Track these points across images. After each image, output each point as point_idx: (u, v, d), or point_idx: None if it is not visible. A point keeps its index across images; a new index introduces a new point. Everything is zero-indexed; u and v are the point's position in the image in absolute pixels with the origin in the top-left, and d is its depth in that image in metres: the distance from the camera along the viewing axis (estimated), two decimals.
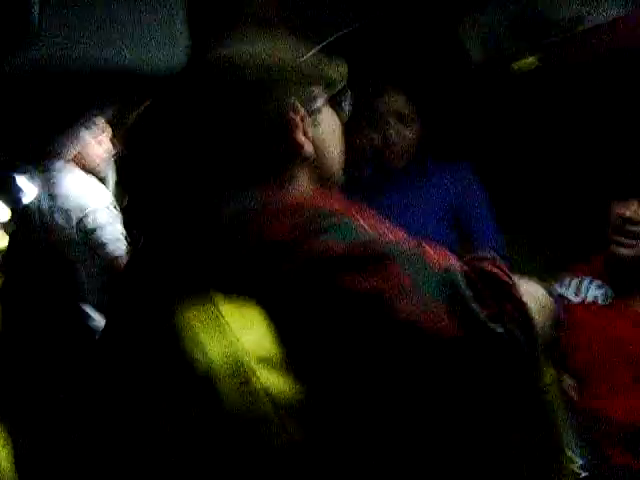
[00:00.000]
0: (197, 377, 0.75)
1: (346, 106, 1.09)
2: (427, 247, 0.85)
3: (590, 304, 1.88)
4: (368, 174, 2.02)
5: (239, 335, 0.77)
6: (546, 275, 2.04)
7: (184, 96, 1.01)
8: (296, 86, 1.00)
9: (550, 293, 0.97)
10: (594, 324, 1.84)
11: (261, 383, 0.75)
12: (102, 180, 2.78)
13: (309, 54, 1.06)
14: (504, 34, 1.97)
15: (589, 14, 1.83)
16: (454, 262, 0.84)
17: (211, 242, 0.87)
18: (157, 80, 1.65)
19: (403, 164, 1.93)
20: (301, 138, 0.98)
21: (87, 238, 2.49)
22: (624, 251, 1.76)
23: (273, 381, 0.75)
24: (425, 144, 1.94)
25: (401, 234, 0.87)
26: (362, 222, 0.86)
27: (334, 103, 1.06)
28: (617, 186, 1.78)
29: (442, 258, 0.84)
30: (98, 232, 2.48)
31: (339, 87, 1.06)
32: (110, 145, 2.68)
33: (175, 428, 0.78)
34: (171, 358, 0.79)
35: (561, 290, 1.95)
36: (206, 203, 0.92)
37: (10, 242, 2.93)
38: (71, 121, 2.56)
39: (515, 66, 1.80)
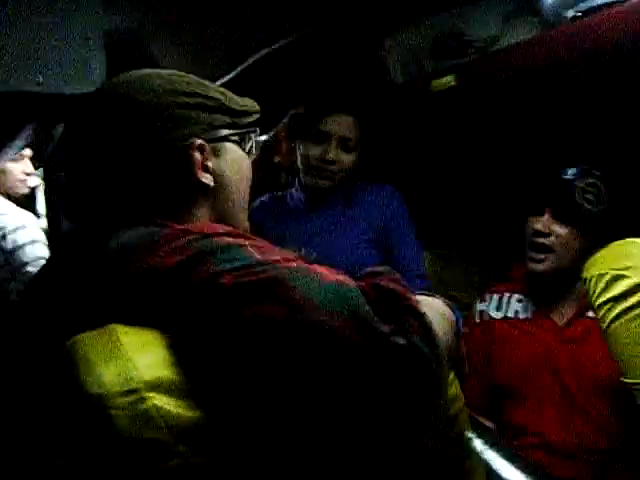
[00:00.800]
0: (90, 400, 0.75)
1: (253, 141, 1.09)
2: (316, 265, 0.86)
3: (511, 318, 1.91)
4: (297, 197, 2.03)
5: (134, 359, 0.77)
6: (476, 292, 2.08)
7: (85, 121, 1.00)
8: (199, 115, 0.99)
9: (449, 305, 0.98)
10: (516, 338, 1.87)
11: (155, 406, 0.74)
12: (29, 199, 2.77)
13: (214, 85, 1.06)
14: (424, 54, 2.01)
15: (504, 34, 1.88)
16: (347, 278, 0.84)
17: (100, 274, 0.86)
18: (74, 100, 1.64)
19: (331, 185, 1.94)
20: (199, 168, 0.98)
21: (9, 259, 2.48)
22: (536, 267, 1.80)
23: (167, 404, 0.75)
24: (357, 170, 1.96)
25: (291, 256, 0.86)
26: (250, 246, 0.85)
27: (241, 137, 1.06)
28: (529, 201, 1.82)
29: (334, 274, 0.84)
30: (18, 252, 2.48)
31: (247, 121, 1.07)
32: (28, 164, 2.66)
33: (68, 452, 0.77)
34: (66, 383, 0.78)
35: (482, 307, 1.97)
36: (100, 233, 0.91)
37: None
38: None
39: (434, 85, 1.83)
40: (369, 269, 0.90)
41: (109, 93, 1.00)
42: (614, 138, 1.83)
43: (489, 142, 1.92)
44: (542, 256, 1.79)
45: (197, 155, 0.97)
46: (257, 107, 1.10)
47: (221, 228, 0.90)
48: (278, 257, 0.84)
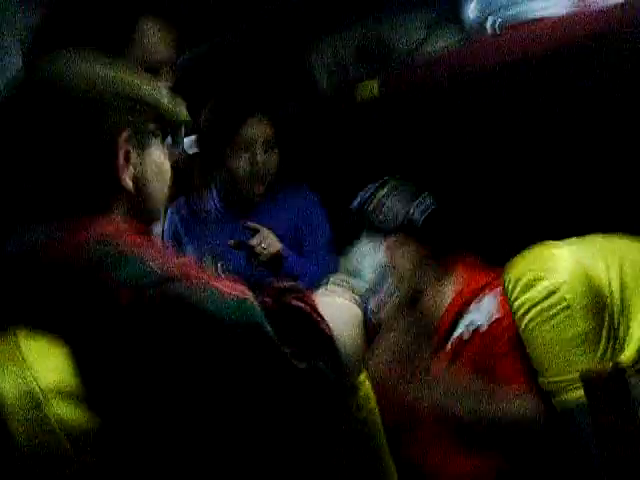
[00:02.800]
0: None
1: (180, 146, 1.09)
2: (215, 278, 0.86)
3: None
4: (217, 205, 2.00)
5: (33, 365, 0.75)
6: None
7: (8, 113, 0.97)
8: (127, 115, 0.98)
9: (354, 299, 0.98)
10: None
11: (54, 413, 0.73)
12: None
13: (148, 86, 1.04)
14: (349, 61, 2.02)
15: (426, 43, 1.91)
16: (247, 292, 0.84)
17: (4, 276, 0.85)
18: None
19: (262, 191, 1.92)
20: (123, 163, 0.96)
21: None
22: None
23: (66, 411, 0.74)
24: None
25: (192, 268, 0.86)
26: (151, 257, 0.85)
27: (169, 141, 1.05)
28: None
29: (234, 288, 0.84)
30: None
31: (175, 125, 1.08)
32: None
33: None
34: None
35: None
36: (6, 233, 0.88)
37: None
38: None
39: (357, 92, 1.84)
40: (277, 284, 0.90)
41: (38, 76, 0.99)
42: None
43: (410, 150, 1.94)
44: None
45: (121, 149, 0.96)
46: (187, 116, 1.10)
47: (129, 230, 0.90)
48: (177, 271, 0.83)
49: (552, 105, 1.76)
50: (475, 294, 1.60)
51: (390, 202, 1.67)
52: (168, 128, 1.06)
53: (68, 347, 0.79)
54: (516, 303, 1.44)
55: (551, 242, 1.49)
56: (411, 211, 1.66)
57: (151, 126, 1.01)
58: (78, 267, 0.81)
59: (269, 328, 0.79)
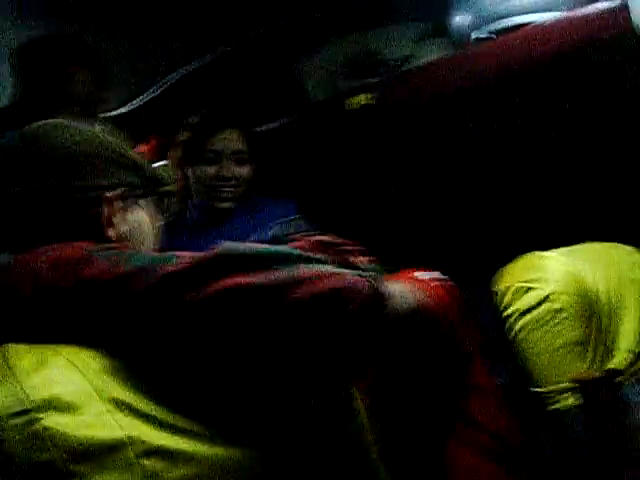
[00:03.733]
0: None
1: (165, 206, 1.12)
2: None
3: None
4: (194, 216, 2.01)
5: (25, 379, 0.75)
6: None
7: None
8: (113, 170, 1.01)
9: None
10: None
11: (45, 427, 0.73)
12: None
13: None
14: (339, 73, 2.05)
15: (415, 56, 1.93)
16: None
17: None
18: None
19: (233, 204, 1.93)
20: (106, 221, 0.99)
21: None
22: None
23: (59, 424, 0.74)
24: (253, 182, 1.96)
25: None
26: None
27: (155, 200, 1.09)
28: None
29: None
30: None
31: (158, 189, 1.09)
32: None
33: None
34: None
35: None
36: None
37: None
38: None
39: (348, 104, 1.86)
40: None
41: (31, 136, 1.02)
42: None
43: (399, 160, 1.95)
44: None
45: (107, 207, 0.99)
46: (172, 179, 1.14)
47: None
48: None
49: (542, 113, 1.77)
50: None
51: None
52: (153, 189, 1.09)
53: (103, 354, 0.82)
54: (506, 312, 1.46)
55: (540, 252, 1.50)
56: None
57: (135, 184, 1.04)
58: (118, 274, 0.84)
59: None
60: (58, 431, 0.73)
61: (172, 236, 1.95)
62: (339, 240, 0.95)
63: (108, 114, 2.02)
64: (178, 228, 1.97)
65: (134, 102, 2.19)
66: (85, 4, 1.82)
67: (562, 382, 1.39)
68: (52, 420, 0.73)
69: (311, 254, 0.87)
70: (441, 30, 1.86)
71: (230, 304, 0.80)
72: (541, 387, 1.43)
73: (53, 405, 0.74)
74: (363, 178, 1.84)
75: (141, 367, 0.82)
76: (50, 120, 1.06)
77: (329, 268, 0.85)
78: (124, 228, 1.01)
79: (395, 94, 1.82)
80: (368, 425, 0.96)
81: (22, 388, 0.74)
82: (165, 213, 1.12)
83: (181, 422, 0.79)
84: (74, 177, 0.98)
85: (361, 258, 0.92)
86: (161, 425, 0.78)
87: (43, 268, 0.86)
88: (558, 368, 1.40)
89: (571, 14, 1.49)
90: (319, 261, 0.86)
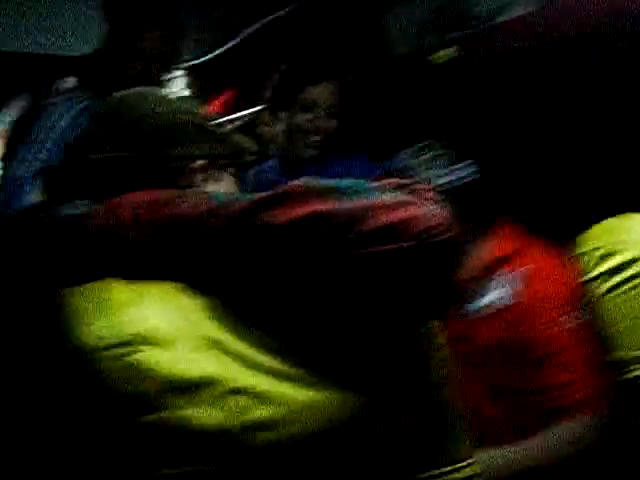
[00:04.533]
0: (81, 351, 0.77)
1: (250, 177, 1.14)
2: None
3: None
4: (269, 167, 2.04)
5: (125, 312, 0.78)
6: None
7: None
8: (203, 140, 1.04)
9: None
10: None
11: (143, 358, 0.76)
12: None
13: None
14: (426, 26, 2.01)
15: (508, 7, 1.87)
16: None
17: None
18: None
19: (313, 154, 1.96)
20: (193, 185, 1.01)
21: None
22: None
23: (156, 357, 0.76)
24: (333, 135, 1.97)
25: None
26: None
27: (236, 171, 1.10)
28: None
29: None
30: None
31: (244, 159, 1.11)
32: None
33: (53, 401, 0.80)
34: (55, 333, 0.80)
35: None
36: None
37: None
38: None
39: (435, 58, 1.83)
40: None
41: (122, 103, 1.05)
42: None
43: (485, 117, 1.91)
44: None
45: (194, 177, 1.01)
46: (255, 147, 1.15)
47: None
48: None
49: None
50: (499, 265, 1.59)
51: (430, 165, 1.64)
52: (239, 163, 1.11)
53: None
54: (589, 276, 1.43)
55: (628, 214, 1.46)
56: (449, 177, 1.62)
57: (222, 153, 1.06)
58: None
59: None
60: (153, 364, 0.76)
61: (254, 183, 2.01)
62: (411, 181, 0.93)
63: (186, 64, 2.05)
64: (258, 176, 2.01)
65: (213, 52, 2.21)
66: None
67: None
68: (148, 353, 0.76)
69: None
70: None
71: (310, 230, 0.79)
72: (620, 353, 1.40)
73: (149, 339, 0.77)
74: (446, 134, 1.81)
75: (230, 305, 0.83)
76: (140, 88, 1.10)
77: (407, 197, 0.84)
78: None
79: (483, 47, 1.78)
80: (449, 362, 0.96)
81: (120, 321, 0.77)
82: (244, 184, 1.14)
83: (268, 363, 0.81)
84: (165, 146, 1.00)
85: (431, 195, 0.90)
86: (249, 365, 0.80)
87: (141, 206, 0.88)
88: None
89: None
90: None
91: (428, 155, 1.65)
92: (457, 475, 0.92)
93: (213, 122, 1.09)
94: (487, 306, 1.57)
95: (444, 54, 1.82)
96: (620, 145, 1.75)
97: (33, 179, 1.57)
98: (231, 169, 1.09)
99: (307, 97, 1.93)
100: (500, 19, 1.88)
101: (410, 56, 2.03)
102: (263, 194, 0.84)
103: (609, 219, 1.48)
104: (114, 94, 1.08)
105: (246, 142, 1.13)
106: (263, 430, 0.78)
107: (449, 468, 0.92)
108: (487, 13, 1.89)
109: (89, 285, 0.83)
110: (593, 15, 1.56)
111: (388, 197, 0.82)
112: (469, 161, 1.64)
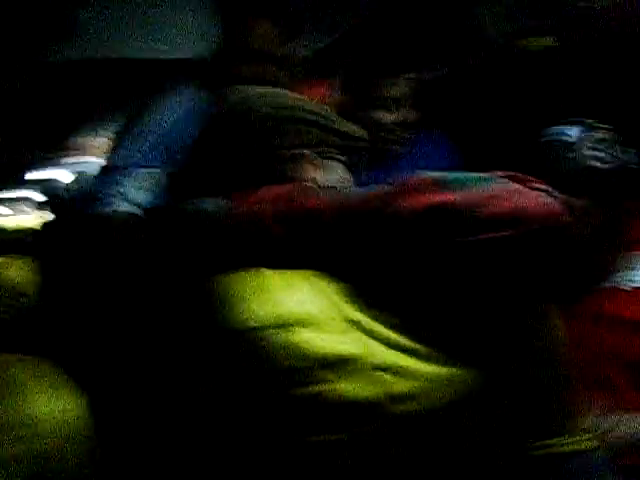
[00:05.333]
0: (243, 332, 0.87)
1: (361, 166, 1.18)
2: None
3: None
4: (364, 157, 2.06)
5: (282, 297, 0.89)
6: None
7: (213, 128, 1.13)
8: (313, 130, 1.10)
9: None
10: None
11: (302, 338, 0.86)
12: None
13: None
14: (522, 12, 2.03)
15: None
16: None
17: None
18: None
19: (397, 148, 1.93)
20: (307, 179, 1.07)
21: None
22: None
23: (313, 337, 0.86)
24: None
25: None
26: None
27: (348, 159, 1.15)
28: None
29: None
30: None
31: (355, 146, 1.16)
32: None
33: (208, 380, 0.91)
34: (210, 317, 0.91)
35: None
36: None
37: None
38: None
39: (531, 44, 1.85)
40: None
41: (236, 103, 1.12)
42: None
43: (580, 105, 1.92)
44: None
45: (307, 165, 1.08)
46: (365, 134, 1.19)
47: None
48: None
49: None
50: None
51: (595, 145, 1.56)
52: (350, 147, 1.15)
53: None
54: None
55: None
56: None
57: (333, 143, 1.12)
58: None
59: None
60: (310, 343, 0.86)
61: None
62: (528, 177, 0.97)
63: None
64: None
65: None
66: None
67: None
68: (305, 334, 0.86)
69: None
70: None
71: (432, 219, 0.87)
72: None
73: (304, 321, 0.87)
74: (541, 123, 1.83)
75: (362, 289, 0.92)
76: (253, 86, 1.16)
77: (518, 187, 0.90)
78: (323, 184, 1.09)
79: (580, 35, 1.79)
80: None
81: (281, 304, 0.88)
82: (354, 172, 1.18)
83: (403, 341, 0.89)
84: (274, 136, 1.07)
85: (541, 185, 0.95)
86: (387, 343, 0.89)
87: (278, 201, 0.97)
88: None
89: None
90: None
91: (597, 134, 1.57)
92: (575, 446, 0.98)
93: (322, 111, 1.13)
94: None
95: (539, 42, 1.84)
96: None
97: (127, 170, 1.57)
98: (342, 157, 1.14)
99: (388, 95, 1.89)
100: (595, 6, 1.88)
101: (505, 43, 2.05)
102: (387, 188, 0.93)
103: None
104: (232, 94, 1.14)
105: (355, 130, 1.17)
106: (404, 402, 0.87)
107: (567, 439, 0.98)
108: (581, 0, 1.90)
109: (241, 272, 0.93)
110: None
111: (500, 186, 0.89)
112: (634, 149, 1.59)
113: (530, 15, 2.00)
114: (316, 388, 0.86)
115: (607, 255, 1.58)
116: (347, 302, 0.90)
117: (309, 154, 1.08)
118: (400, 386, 0.87)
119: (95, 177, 1.63)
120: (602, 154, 1.54)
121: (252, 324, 0.87)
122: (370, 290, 0.92)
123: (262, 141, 1.07)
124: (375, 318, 0.90)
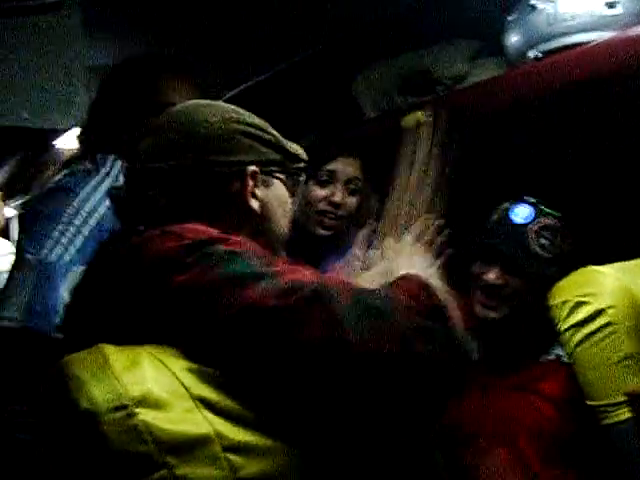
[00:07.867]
0: (82, 416, 0.80)
1: (301, 182, 1.18)
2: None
3: None
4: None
5: (122, 377, 0.82)
6: None
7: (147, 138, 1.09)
8: (256, 146, 1.08)
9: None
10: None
11: (142, 421, 0.79)
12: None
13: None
14: (394, 90, 2.09)
15: (470, 74, 1.96)
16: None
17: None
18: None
19: (331, 233, 1.84)
20: (249, 194, 1.05)
21: None
22: (488, 314, 1.63)
23: (154, 419, 0.80)
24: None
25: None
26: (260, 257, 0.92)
27: (288, 177, 1.14)
28: (479, 250, 1.67)
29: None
30: None
31: (295, 165, 1.15)
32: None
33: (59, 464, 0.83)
34: (58, 400, 0.83)
35: None
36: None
37: None
38: None
39: (403, 121, 1.89)
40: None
41: (177, 114, 1.09)
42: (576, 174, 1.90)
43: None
44: (494, 304, 1.62)
45: (250, 181, 1.06)
46: (305, 155, 1.18)
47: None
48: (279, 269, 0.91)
49: (595, 131, 1.79)
50: None
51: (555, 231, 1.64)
52: (291, 165, 1.14)
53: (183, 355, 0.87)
54: (562, 326, 1.48)
55: (594, 267, 1.52)
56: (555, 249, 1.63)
57: (275, 159, 1.10)
58: (209, 281, 0.89)
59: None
60: (153, 425, 0.79)
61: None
62: None
63: None
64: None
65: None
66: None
67: (617, 396, 1.41)
68: (147, 415, 0.79)
69: None
70: (495, 49, 1.89)
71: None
72: (596, 401, 1.45)
73: (147, 401, 0.80)
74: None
75: (218, 369, 0.87)
76: (192, 101, 1.13)
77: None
78: (267, 201, 1.08)
79: (450, 112, 1.85)
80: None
81: (120, 385, 0.81)
82: (294, 195, 1.17)
83: (256, 419, 0.85)
84: (215, 152, 1.04)
85: None
86: (240, 422, 0.84)
87: (143, 262, 0.93)
88: (613, 382, 1.42)
89: (623, 34, 1.51)
90: None
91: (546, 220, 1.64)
92: None
93: (265, 129, 1.11)
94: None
95: (412, 118, 1.89)
96: None
97: (67, 268, 1.47)
98: (282, 175, 1.12)
99: (327, 168, 1.82)
100: (463, 84, 1.96)
101: (379, 119, 2.10)
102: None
103: (577, 271, 1.54)
104: (171, 108, 1.12)
105: (297, 149, 1.16)
106: None
107: None
108: (452, 79, 1.98)
109: (83, 353, 0.87)
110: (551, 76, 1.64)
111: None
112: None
113: (402, 93, 2.06)
114: (163, 474, 0.78)
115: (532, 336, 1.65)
116: (196, 379, 0.85)
117: (251, 170, 1.06)
118: (253, 468, 0.82)
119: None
120: (546, 242, 1.61)
121: (92, 409, 0.80)
122: (219, 370, 0.87)
123: (203, 156, 1.04)
124: (226, 396, 0.85)
